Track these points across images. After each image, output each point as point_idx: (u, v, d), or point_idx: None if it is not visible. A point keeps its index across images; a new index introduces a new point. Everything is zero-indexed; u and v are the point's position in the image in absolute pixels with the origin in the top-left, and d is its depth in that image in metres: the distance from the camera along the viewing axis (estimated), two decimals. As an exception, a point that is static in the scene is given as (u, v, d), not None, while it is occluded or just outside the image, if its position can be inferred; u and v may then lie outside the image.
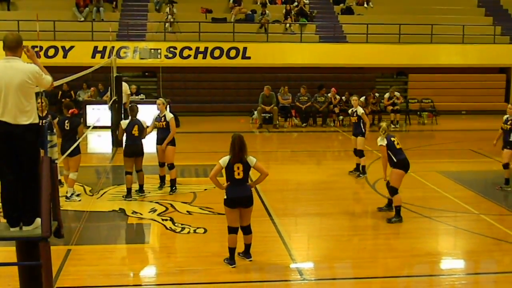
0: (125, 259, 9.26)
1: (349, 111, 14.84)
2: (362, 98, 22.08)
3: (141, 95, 22.45)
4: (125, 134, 12.10)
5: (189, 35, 25.04)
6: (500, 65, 26.67)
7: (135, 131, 11.92)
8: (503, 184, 12.92)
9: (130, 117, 12.08)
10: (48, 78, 5.91)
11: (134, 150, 11.99)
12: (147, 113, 18.29)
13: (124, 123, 12.02)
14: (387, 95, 22.49)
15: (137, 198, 12.08)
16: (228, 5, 27.33)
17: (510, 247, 9.67)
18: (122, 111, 17.97)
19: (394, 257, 9.16)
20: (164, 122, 12.35)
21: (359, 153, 14.06)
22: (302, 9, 27.27)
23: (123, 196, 12.07)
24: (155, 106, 12.88)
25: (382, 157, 10.78)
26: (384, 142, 10.68)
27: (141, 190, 12.30)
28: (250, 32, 25.78)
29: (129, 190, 12.07)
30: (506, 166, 12.80)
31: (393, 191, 10.71)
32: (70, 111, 11.77)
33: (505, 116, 12.85)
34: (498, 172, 13.26)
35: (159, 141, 12.52)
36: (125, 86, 19.59)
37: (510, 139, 12.61)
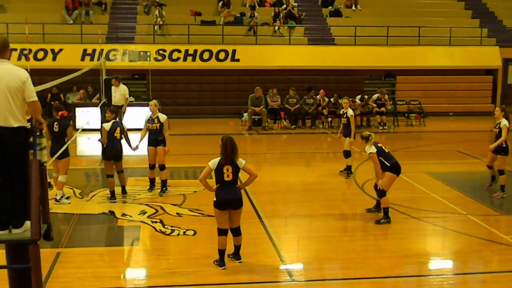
0: (115, 261, 9.22)
1: (341, 111, 14.89)
2: (357, 98, 22.35)
3: (131, 97, 22.39)
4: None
5: (178, 38, 25.06)
6: (486, 67, 26.85)
7: (117, 133, 11.91)
8: (490, 181, 12.99)
9: (112, 119, 12.07)
10: (35, 97, 5.84)
11: (113, 153, 11.94)
12: (136, 115, 18.52)
13: (107, 125, 11.96)
14: (375, 96, 22.49)
15: (126, 200, 12.06)
16: (217, 7, 27.36)
17: (497, 247, 9.72)
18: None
19: (383, 258, 9.18)
20: (158, 124, 12.36)
21: (345, 154, 14.13)
22: (290, 11, 27.32)
23: (107, 198, 12.08)
24: (143, 108, 12.86)
25: (375, 164, 10.74)
26: (374, 150, 10.69)
27: (123, 191, 12.31)
28: (239, 34, 25.84)
29: (112, 193, 12.07)
30: (490, 167, 12.86)
31: (381, 193, 10.74)
32: (60, 113, 11.70)
33: (496, 121, 12.72)
34: (486, 173, 13.31)
35: (151, 143, 12.52)
36: (125, 89, 19.52)
37: (503, 145, 12.39)
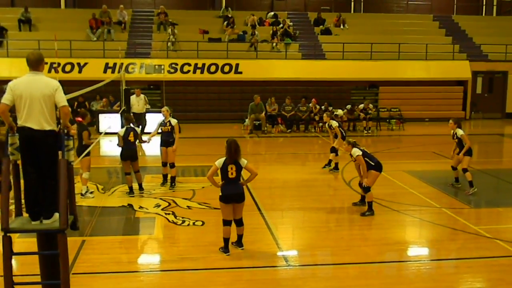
0: (133, 248, 9.21)
1: (326, 125, 14.85)
2: (348, 106, 22.45)
3: (147, 105, 22.41)
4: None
5: (189, 53, 25.08)
6: (458, 79, 26.82)
7: (131, 137, 11.92)
8: (453, 182, 13.01)
9: (126, 125, 12.09)
10: (65, 102, 5.85)
11: (129, 154, 11.96)
12: (153, 120, 18.56)
13: (121, 131, 12.00)
14: (361, 106, 22.51)
15: (143, 195, 12.05)
16: (223, 27, 27.38)
17: (468, 236, 9.71)
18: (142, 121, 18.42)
19: (367, 246, 9.17)
20: (169, 127, 12.48)
21: (334, 150, 14.18)
22: (286, 30, 27.35)
23: (126, 193, 12.07)
24: (160, 115, 12.94)
25: (361, 165, 10.76)
26: (360, 152, 10.74)
27: (140, 188, 12.29)
28: (241, 50, 25.84)
29: (130, 188, 12.07)
30: (454, 168, 12.85)
31: (366, 189, 10.75)
32: (76, 118, 11.67)
33: (452, 131, 12.63)
34: (453, 172, 13.26)
35: (163, 143, 12.61)
36: (145, 98, 19.56)
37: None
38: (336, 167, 14.30)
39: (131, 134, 11.95)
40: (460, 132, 12.39)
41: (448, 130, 12.86)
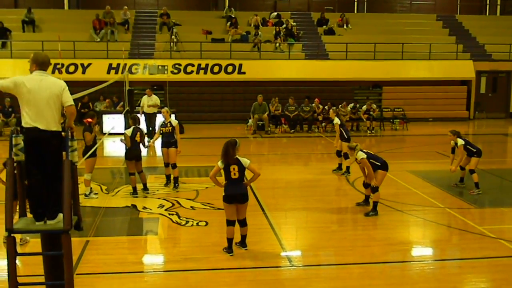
0: (137, 248, 9.22)
1: (334, 122, 14.75)
2: (350, 106, 22.44)
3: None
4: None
5: (192, 53, 25.10)
6: (461, 78, 26.77)
7: (137, 138, 11.95)
8: (458, 182, 13.01)
9: (133, 126, 12.10)
10: (72, 101, 5.87)
11: (135, 154, 11.98)
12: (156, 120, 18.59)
13: (129, 131, 12.00)
14: (364, 107, 22.49)
15: (147, 195, 12.06)
16: (226, 27, 27.39)
17: (472, 236, 9.69)
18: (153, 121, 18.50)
19: (371, 246, 9.16)
20: (170, 128, 12.50)
21: (344, 155, 14.09)
22: (290, 30, 27.33)
23: (130, 193, 12.09)
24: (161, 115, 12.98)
25: (367, 167, 10.75)
26: (364, 155, 10.74)
27: (145, 188, 12.28)
28: (245, 50, 25.83)
29: (134, 188, 12.08)
30: (462, 168, 12.84)
31: (374, 189, 10.73)
32: (85, 120, 11.67)
33: (452, 142, 12.68)
34: (460, 171, 13.24)
35: (164, 144, 12.63)
36: (156, 99, 19.60)
37: (474, 150, 12.45)
38: (347, 170, 14.17)
39: (138, 134, 11.99)
40: (460, 142, 12.40)
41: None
